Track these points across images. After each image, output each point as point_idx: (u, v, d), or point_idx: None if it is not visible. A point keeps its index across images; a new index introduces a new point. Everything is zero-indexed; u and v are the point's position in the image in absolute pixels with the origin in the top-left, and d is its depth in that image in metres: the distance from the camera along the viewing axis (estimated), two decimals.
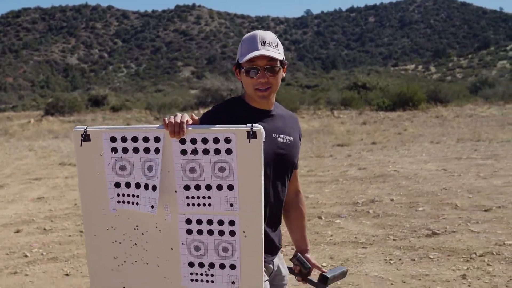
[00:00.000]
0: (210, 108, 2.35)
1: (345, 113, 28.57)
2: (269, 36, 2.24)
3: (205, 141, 1.95)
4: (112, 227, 2.09)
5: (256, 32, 2.26)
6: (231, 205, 1.98)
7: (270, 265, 2.36)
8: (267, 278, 2.31)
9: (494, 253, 5.32)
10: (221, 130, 1.94)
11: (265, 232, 2.23)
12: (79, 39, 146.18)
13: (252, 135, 1.91)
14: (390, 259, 5.34)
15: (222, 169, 1.96)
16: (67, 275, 5.45)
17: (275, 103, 2.38)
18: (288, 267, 2.51)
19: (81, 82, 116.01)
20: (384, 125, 22.85)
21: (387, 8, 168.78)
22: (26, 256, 6.12)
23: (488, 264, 5.02)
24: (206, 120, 2.16)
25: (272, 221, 2.33)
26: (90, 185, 2.07)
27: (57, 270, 5.59)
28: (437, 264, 5.10)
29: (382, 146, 15.67)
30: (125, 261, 2.11)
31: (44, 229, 7.39)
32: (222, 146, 1.94)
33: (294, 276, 2.52)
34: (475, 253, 5.34)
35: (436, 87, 31.18)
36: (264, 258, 2.20)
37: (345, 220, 7.12)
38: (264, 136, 1.93)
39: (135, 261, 2.10)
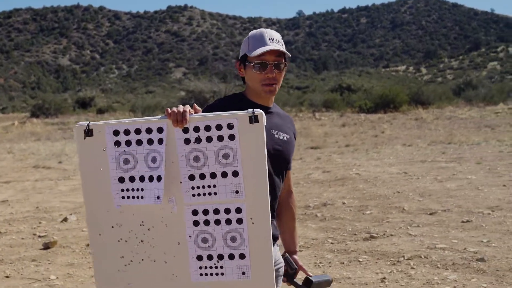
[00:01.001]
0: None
1: (326, 115, 28.77)
2: (276, 34, 2.34)
3: (208, 128, 1.96)
4: (117, 224, 2.05)
5: (263, 29, 2.34)
6: (237, 192, 1.97)
7: None
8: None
9: (422, 257, 5.48)
10: (224, 116, 1.96)
11: None
12: (70, 40, 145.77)
13: (254, 119, 1.94)
14: (320, 262, 5.49)
15: (226, 156, 1.96)
16: (7, 277, 5.57)
17: (274, 103, 2.45)
18: None
19: (72, 83, 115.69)
20: (363, 127, 23.05)
21: (379, 9, 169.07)
22: None
23: (412, 268, 5.18)
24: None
25: None
26: (93, 182, 2.04)
27: None
28: (363, 268, 5.26)
29: (354, 149, 15.85)
30: (131, 261, 2.07)
31: (0, 232, 7.51)
32: (225, 132, 1.96)
33: None
34: (403, 257, 5.49)
35: (418, 89, 31.43)
36: None
37: None
38: (265, 120, 1.97)
39: (142, 260, 2.06)
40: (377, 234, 6.42)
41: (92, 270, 5.68)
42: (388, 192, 8.88)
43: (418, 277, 4.91)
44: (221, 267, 2.01)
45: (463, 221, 6.80)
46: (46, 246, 6.64)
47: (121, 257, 2.06)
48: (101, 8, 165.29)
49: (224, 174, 1.97)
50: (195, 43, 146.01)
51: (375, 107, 29.08)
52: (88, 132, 2.01)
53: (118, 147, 2.00)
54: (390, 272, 5.08)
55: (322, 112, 30.03)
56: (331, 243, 6.21)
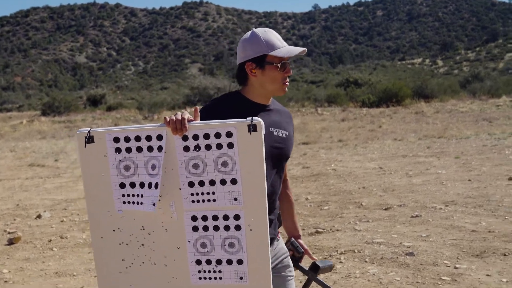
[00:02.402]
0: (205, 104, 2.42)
1: (329, 110, 28.86)
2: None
3: (207, 136, 1.98)
4: (118, 228, 2.10)
5: (267, 29, 2.39)
6: (235, 199, 2.00)
7: None
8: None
9: (356, 251, 5.68)
10: (222, 124, 1.97)
11: None
12: (87, 38, 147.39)
13: (252, 128, 1.95)
14: None
15: (224, 164, 1.99)
16: None
17: (271, 99, 2.47)
18: None
19: (89, 81, 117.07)
20: (363, 122, 23.15)
21: (395, 1, 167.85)
22: None
23: (340, 262, 5.38)
24: (205, 114, 2.20)
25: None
26: (95, 187, 2.09)
27: None
28: None
29: (344, 144, 16.00)
30: (132, 263, 2.12)
31: None
32: (224, 140, 1.97)
33: None
34: (337, 251, 5.70)
35: (422, 83, 31.34)
36: None
37: None
38: (264, 129, 1.99)
39: (143, 262, 2.12)
40: (323, 229, 6.63)
41: (44, 264, 6.01)
42: (353, 187, 9.06)
43: (342, 270, 5.12)
44: (219, 271, 2.06)
45: (412, 216, 6.97)
46: (10, 242, 6.96)
47: (122, 260, 2.13)
48: (117, 5, 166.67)
49: (223, 182, 2.00)
50: (211, 38, 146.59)
51: (379, 101, 29.10)
52: (89, 139, 2.04)
53: (118, 153, 2.04)
54: None
55: (325, 107, 30.15)
56: None
